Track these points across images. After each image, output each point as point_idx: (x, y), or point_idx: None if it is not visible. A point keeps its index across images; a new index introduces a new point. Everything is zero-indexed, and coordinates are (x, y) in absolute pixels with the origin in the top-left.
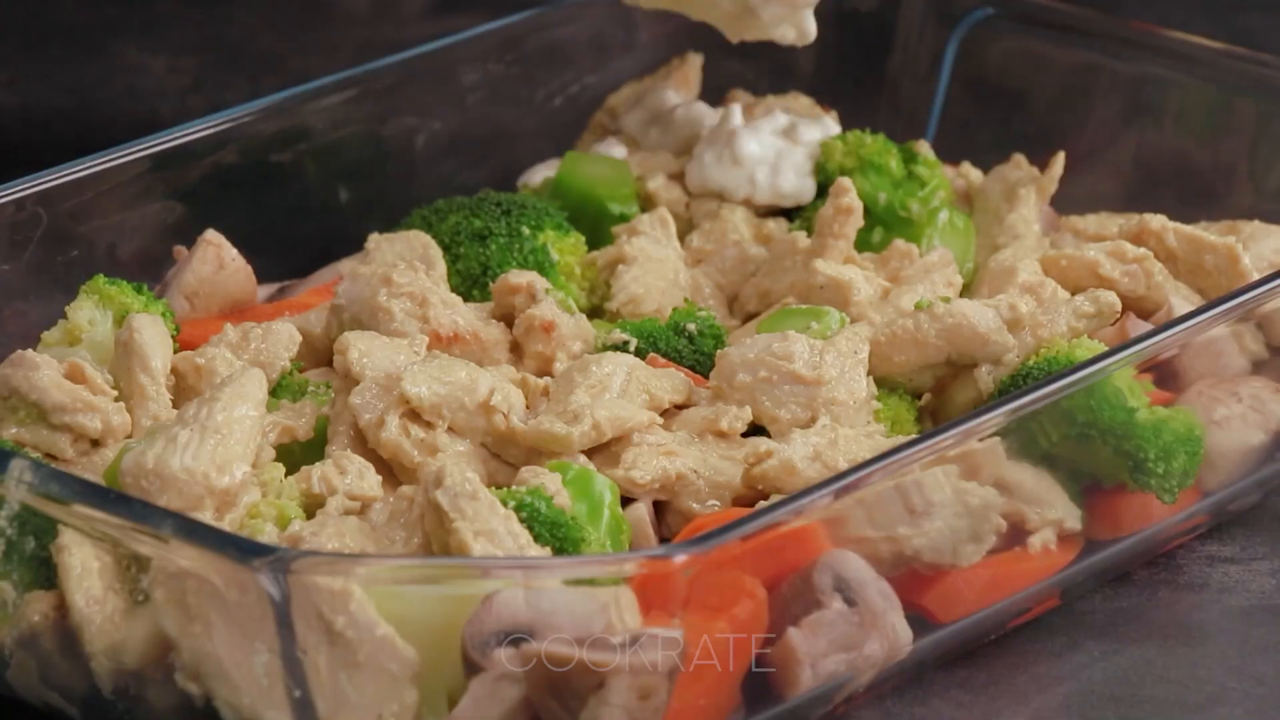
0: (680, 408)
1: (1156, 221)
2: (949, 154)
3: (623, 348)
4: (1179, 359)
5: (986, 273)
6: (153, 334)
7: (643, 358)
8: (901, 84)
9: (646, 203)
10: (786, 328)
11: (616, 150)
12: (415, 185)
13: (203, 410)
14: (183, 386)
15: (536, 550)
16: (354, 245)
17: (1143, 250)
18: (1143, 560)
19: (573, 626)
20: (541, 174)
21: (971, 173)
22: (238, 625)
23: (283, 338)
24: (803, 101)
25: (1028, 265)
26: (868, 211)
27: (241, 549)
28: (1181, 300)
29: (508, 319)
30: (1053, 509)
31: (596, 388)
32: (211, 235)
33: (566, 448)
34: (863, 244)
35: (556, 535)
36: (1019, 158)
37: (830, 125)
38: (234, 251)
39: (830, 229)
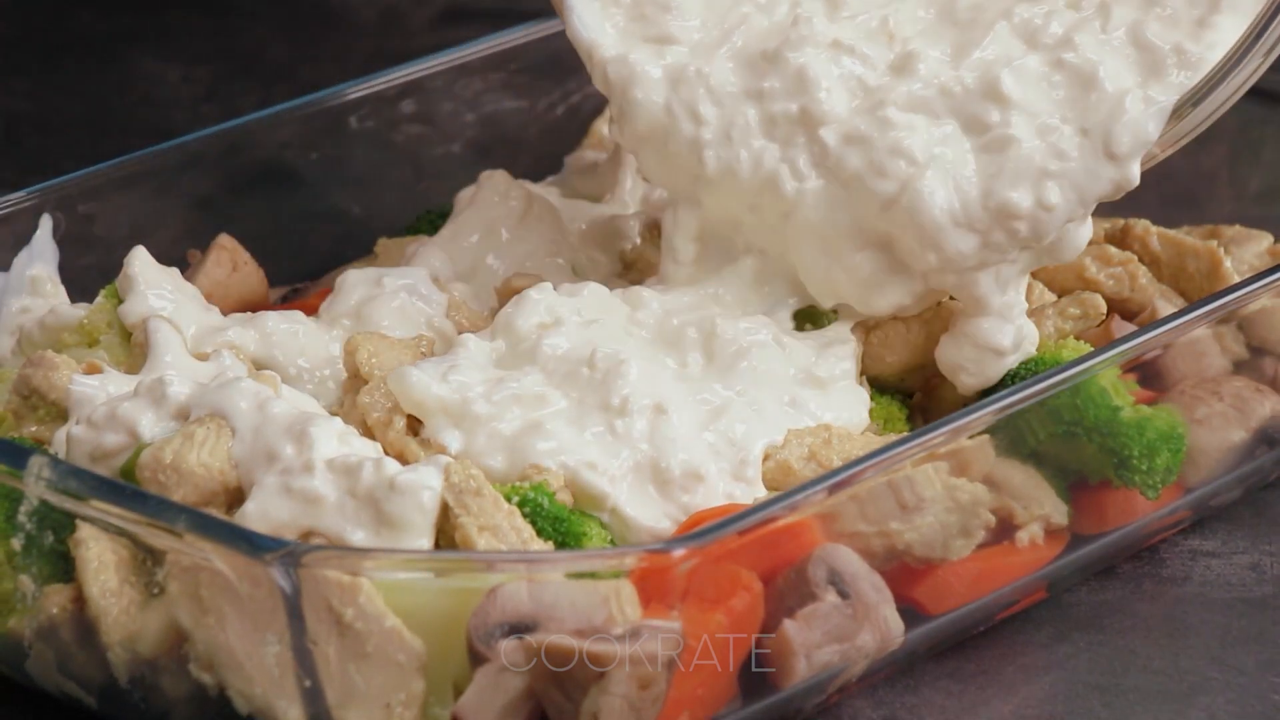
0: None
1: (1141, 226)
2: None
3: None
4: (1162, 359)
5: None
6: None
7: None
8: None
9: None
10: None
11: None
12: (421, 191)
13: None
14: None
15: (539, 544)
16: (363, 249)
17: (1127, 254)
18: (1127, 554)
19: (575, 618)
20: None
21: None
22: (250, 617)
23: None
24: None
25: None
26: None
27: (254, 543)
28: (1165, 302)
29: None
30: (1040, 504)
31: None
32: (225, 239)
33: None
34: None
35: (559, 530)
36: None
37: None
38: (246, 255)
39: None
